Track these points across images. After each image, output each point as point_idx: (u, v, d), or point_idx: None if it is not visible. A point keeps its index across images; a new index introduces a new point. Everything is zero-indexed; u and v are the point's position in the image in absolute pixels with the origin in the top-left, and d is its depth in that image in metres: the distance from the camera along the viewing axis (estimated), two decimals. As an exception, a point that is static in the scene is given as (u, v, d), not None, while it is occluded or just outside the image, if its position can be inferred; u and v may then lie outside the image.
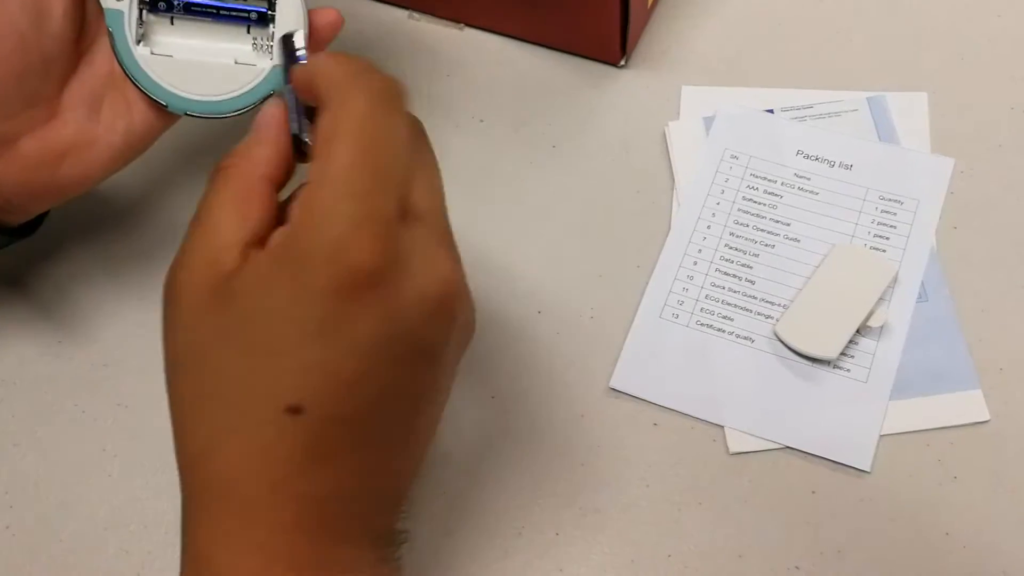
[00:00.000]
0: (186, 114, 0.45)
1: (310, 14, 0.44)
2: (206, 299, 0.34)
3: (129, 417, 0.50)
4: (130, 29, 0.44)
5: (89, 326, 0.52)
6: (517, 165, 0.56)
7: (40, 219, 0.49)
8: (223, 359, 0.34)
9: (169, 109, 0.45)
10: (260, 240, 0.35)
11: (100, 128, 0.45)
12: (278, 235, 0.35)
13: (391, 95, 0.35)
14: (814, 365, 0.48)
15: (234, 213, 0.35)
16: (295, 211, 0.34)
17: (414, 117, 0.37)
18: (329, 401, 0.33)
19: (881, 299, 0.49)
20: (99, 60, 0.45)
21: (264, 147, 0.37)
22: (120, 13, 0.44)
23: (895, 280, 0.50)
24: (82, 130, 0.44)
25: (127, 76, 0.45)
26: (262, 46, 0.45)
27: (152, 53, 0.45)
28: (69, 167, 0.44)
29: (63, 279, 0.54)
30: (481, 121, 0.58)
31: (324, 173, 0.33)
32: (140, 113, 0.45)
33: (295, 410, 0.33)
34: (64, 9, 0.43)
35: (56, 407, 0.51)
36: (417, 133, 0.36)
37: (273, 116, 0.38)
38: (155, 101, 0.45)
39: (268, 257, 0.34)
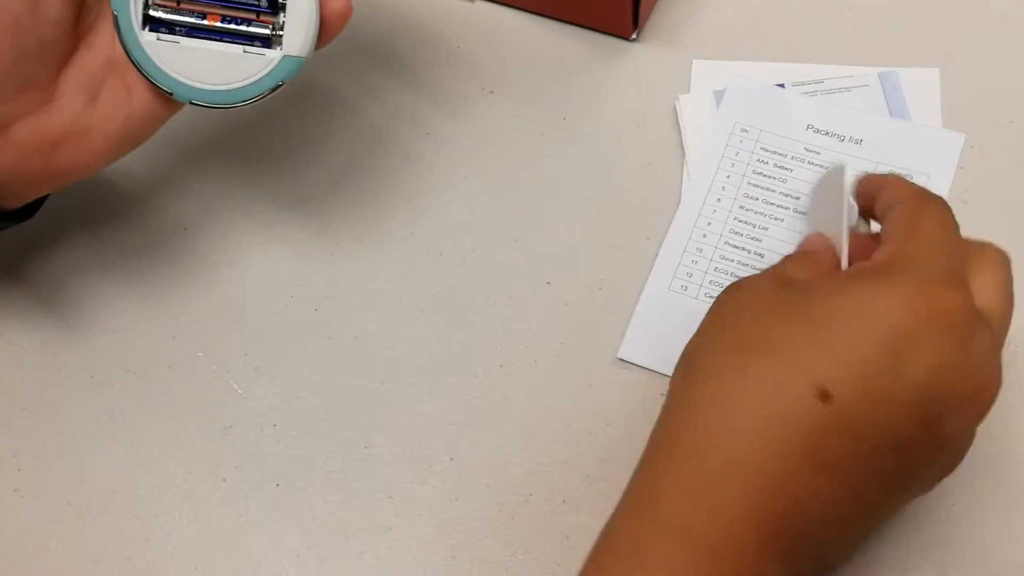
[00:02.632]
0: (191, 103, 0.43)
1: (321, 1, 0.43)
2: (778, 294, 0.38)
3: (137, 382, 0.50)
4: (136, 13, 0.43)
5: (98, 293, 0.53)
6: (527, 137, 0.56)
7: (38, 204, 0.48)
8: (783, 329, 0.36)
9: (174, 97, 0.43)
10: None
11: (97, 115, 0.43)
12: (865, 264, 0.38)
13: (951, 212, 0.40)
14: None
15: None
16: (883, 252, 0.38)
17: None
18: (854, 403, 0.34)
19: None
20: (99, 44, 0.44)
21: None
22: None
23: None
24: (78, 117, 0.43)
25: (131, 62, 0.43)
26: (272, 35, 0.43)
27: (158, 39, 0.43)
28: (64, 154, 0.43)
29: (64, 259, 0.54)
30: (491, 93, 0.58)
31: (919, 236, 0.38)
32: (140, 100, 0.44)
33: (825, 396, 0.34)
34: None
35: (64, 372, 0.51)
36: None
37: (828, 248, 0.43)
38: (160, 88, 0.43)
39: (857, 271, 0.38)
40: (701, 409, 0.37)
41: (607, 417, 0.48)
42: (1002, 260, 0.40)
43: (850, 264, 0.41)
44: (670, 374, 0.48)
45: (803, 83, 0.56)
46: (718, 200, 0.53)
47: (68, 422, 0.50)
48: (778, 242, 0.51)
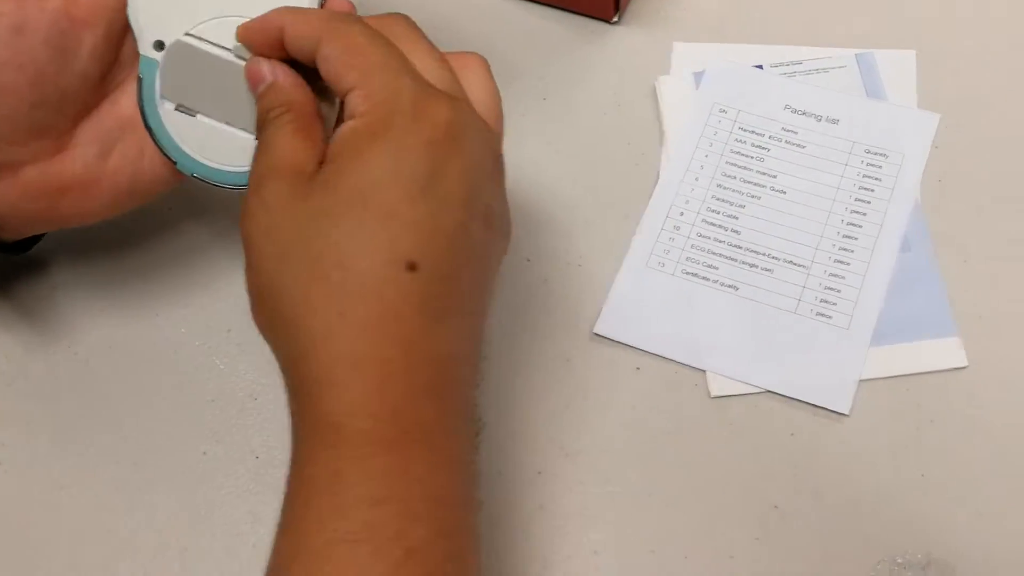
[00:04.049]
0: (192, 175, 0.44)
1: None
2: (302, 195, 0.36)
3: (121, 358, 0.51)
4: (161, 80, 0.43)
5: (84, 272, 0.53)
6: (509, 117, 0.55)
7: (35, 239, 0.49)
8: (338, 234, 0.35)
9: (178, 167, 0.44)
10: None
11: (107, 169, 0.44)
12: (348, 126, 0.37)
13: (354, 16, 0.40)
14: (796, 313, 0.49)
15: (303, 139, 0.38)
16: (358, 104, 0.37)
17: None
18: (437, 255, 0.36)
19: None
20: (124, 101, 0.44)
21: (303, 90, 0.40)
22: (155, 63, 0.43)
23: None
24: (89, 168, 0.43)
25: (145, 126, 0.43)
26: None
27: (176, 108, 0.43)
28: (69, 201, 0.44)
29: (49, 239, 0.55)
30: (474, 75, 0.58)
31: (367, 69, 0.37)
32: (150, 163, 0.44)
33: (412, 266, 0.35)
34: (92, 49, 0.42)
35: (49, 348, 0.51)
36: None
37: (290, 73, 0.40)
38: (166, 156, 0.44)
39: (355, 140, 0.36)
40: (298, 337, 0.36)
41: (583, 391, 0.48)
42: (482, 62, 0.41)
43: None
44: (646, 348, 0.49)
45: (781, 64, 0.57)
46: (696, 179, 0.53)
47: (52, 398, 0.50)
48: (755, 219, 0.52)
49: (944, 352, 0.48)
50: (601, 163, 0.55)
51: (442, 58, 0.40)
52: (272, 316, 0.36)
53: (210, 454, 0.48)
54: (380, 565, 0.32)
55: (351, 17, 0.40)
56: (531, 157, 0.55)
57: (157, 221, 0.54)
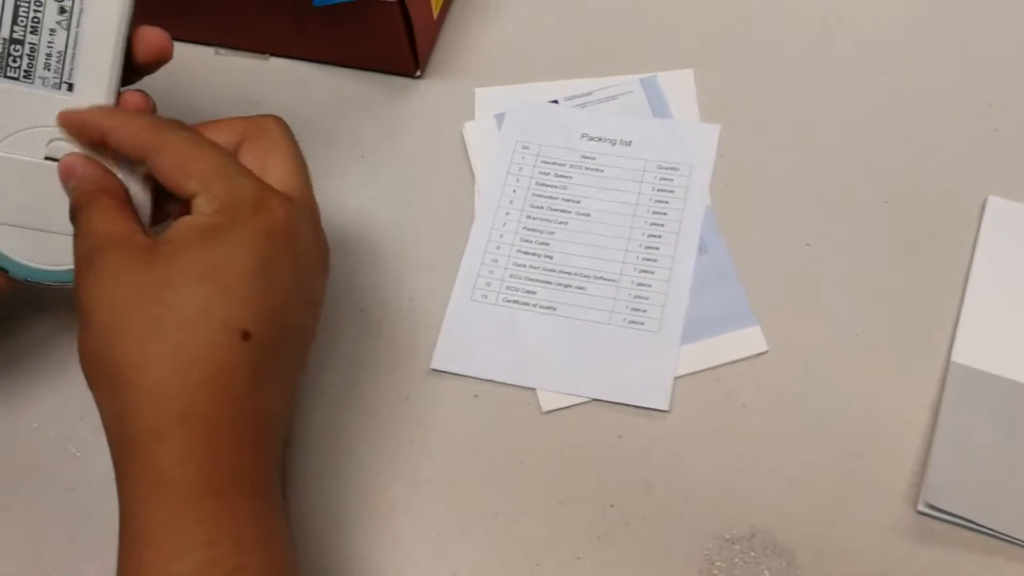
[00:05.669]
0: (27, 280, 0.46)
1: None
2: (140, 262, 0.40)
3: (-23, 459, 0.52)
4: None
5: None
6: (330, 178, 0.60)
7: None
8: (178, 301, 0.39)
9: (10, 275, 0.46)
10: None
11: None
12: (194, 218, 0.41)
13: (176, 123, 0.44)
14: (610, 324, 0.53)
15: (123, 216, 0.42)
16: (203, 206, 0.41)
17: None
18: (267, 328, 0.40)
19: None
20: None
21: (112, 178, 0.44)
22: None
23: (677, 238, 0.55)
24: None
25: None
26: None
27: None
28: None
29: None
30: (292, 142, 0.61)
31: (205, 178, 0.42)
32: None
33: (246, 335, 0.39)
34: None
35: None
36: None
37: (99, 166, 0.45)
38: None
39: (202, 229, 0.41)
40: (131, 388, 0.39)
41: (426, 424, 0.51)
42: (283, 135, 0.45)
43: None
44: (479, 375, 0.52)
45: (575, 96, 0.61)
46: (507, 213, 0.57)
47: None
48: (565, 243, 0.55)
49: (747, 341, 0.52)
50: (421, 210, 0.58)
51: (300, 161, 0.45)
52: (101, 373, 0.39)
53: (77, 540, 0.50)
54: None
55: (174, 125, 0.43)
56: (355, 213, 0.58)
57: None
